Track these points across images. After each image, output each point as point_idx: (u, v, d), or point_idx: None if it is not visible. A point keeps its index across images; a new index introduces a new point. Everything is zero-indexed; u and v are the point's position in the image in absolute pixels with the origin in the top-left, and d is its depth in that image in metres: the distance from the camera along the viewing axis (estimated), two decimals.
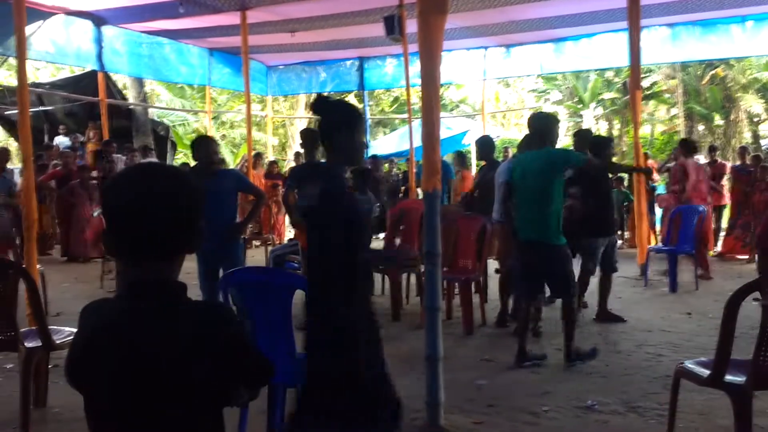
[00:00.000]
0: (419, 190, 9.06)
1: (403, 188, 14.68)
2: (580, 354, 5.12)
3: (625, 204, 11.86)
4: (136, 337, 1.36)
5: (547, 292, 5.70)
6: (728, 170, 11.63)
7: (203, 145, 5.46)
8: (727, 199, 11.43)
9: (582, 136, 7.21)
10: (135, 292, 1.41)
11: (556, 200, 5.03)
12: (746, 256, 10.48)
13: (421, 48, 3.98)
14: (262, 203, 6.03)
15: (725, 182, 11.63)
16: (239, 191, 5.78)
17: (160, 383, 1.36)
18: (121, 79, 17.84)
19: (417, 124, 10.71)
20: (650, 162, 13.11)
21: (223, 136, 24.70)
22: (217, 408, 1.45)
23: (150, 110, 18.16)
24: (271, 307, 3.48)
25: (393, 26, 10.21)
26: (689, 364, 3.48)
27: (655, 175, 12.25)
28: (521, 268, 5.32)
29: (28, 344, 3.96)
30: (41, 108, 14.84)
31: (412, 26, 8.54)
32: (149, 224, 1.38)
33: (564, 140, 20.13)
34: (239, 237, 5.64)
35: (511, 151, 12.46)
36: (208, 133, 17.42)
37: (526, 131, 5.97)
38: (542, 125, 5.28)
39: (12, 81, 15.91)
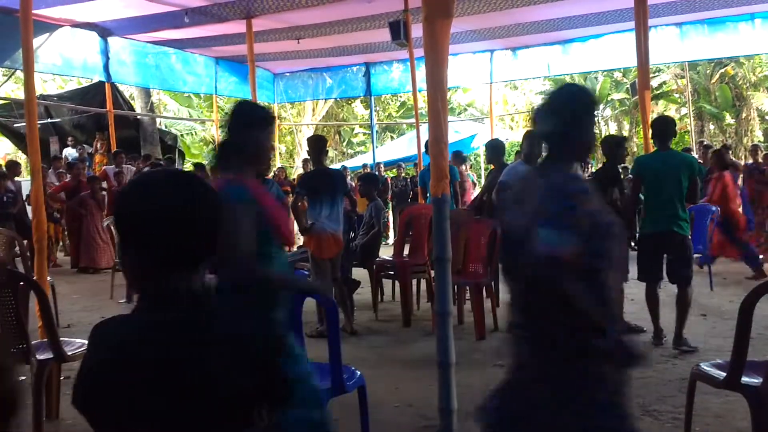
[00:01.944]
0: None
1: (411, 193, 14.68)
2: (687, 343, 5.49)
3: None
4: (168, 351, 1.28)
5: None
6: (742, 170, 11.52)
7: None
8: (740, 199, 11.32)
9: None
10: (163, 304, 1.35)
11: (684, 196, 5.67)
12: (761, 256, 10.37)
13: (426, 52, 3.95)
14: (289, 213, 6.16)
15: (738, 182, 11.52)
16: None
17: (193, 398, 1.27)
18: (128, 90, 17.92)
19: (425, 128, 10.71)
20: None
21: None
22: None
23: (157, 120, 18.23)
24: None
25: (398, 31, 10.22)
26: (705, 367, 3.43)
27: None
28: (647, 257, 5.72)
29: (40, 356, 3.95)
30: (49, 120, 14.91)
31: (417, 31, 8.53)
32: (177, 232, 1.32)
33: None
34: None
35: None
36: (216, 142, 17.47)
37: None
38: (667, 128, 5.87)
39: (20, 94, 16.01)
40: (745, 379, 3.11)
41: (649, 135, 6.58)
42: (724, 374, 3.18)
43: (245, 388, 1.31)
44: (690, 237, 5.73)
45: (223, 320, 1.36)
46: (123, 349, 1.31)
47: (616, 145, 6.55)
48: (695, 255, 8.16)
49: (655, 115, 22.60)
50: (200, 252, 1.38)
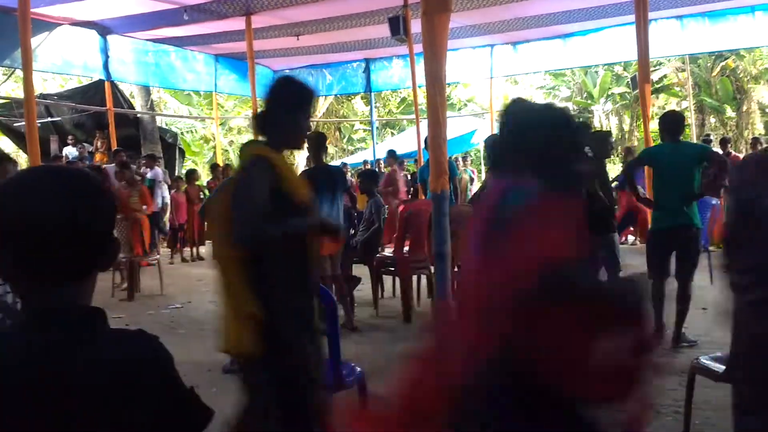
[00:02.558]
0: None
1: (412, 189, 14.67)
2: (686, 339, 5.51)
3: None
4: (41, 378, 1.09)
5: None
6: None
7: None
8: None
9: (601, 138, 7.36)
10: (38, 323, 1.15)
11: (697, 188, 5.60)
12: None
13: (425, 48, 3.96)
14: None
15: None
16: None
17: None
18: (128, 88, 17.93)
19: (425, 124, 10.72)
20: None
21: (231, 141, 24.77)
22: None
23: (158, 118, 18.23)
24: None
25: (398, 27, 10.20)
26: (704, 360, 3.43)
27: None
28: (656, 252, 5.65)
29: None
30: (49, 119, 14.91)
31: (417, 26, 8.53)
32: (52, 238, 1.13)
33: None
34: None
35: None
36: (216, 140, 17.49)
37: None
38: (678, 123, 5.82)
39: (20, 93, 16.06)
40: None
41: (651, 129, 6.61)
42: (724, 367, 3.18)
43: (140, 426, 1.12)
44: (701, 229, 5.72)
45: (112, 346, 1.16)
46: None
47: (601, 139, 6.57)
48: None
49: (656, 109, 22.56)
50: (86, 260, 1.19)
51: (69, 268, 1.17)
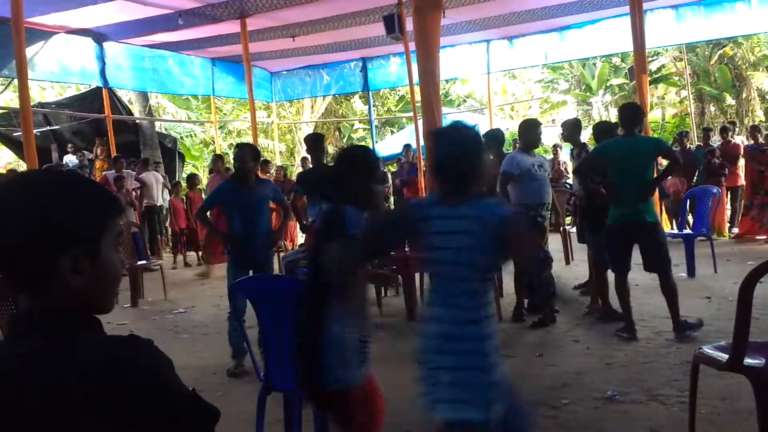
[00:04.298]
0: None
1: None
2: (689, 325, 5.40)
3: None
4: (13, 388, 1.02)
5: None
6: (742, 150, 11.49)
7: (239, 153, 5.53)
8: (742, 180, 11.29)
9: (570, 125, 7.11)
10: (19, 329, 1.10)
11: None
12: (765, 237, 10.34)
13: (418, 44, 3.97)
14: (289, 214, 6.11)
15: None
16: (272, 201, 5.74)
17: None
18: (127, 94, 17.94)
19: None
20: None
21: (231, 145, 24.76)
22: None
23: (157, 123, 18.25)
24: (282, 315, 3.45)
25: (393, 25, 10.17)
26: (707, 349, 3.40)
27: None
28: (616, 247, 5.59)
29: None
30: (48, 128, 14.92)
31: (412, 24, 8.51)
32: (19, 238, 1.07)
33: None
34: (276, 244, 5.71)
35: None
36: (216, 143, 17.50)
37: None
38: (634, 114, 5.70)
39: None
40: (748, 361, 3.07)
41: (650, 119, 6.56)
42: (727, 356, 3.15)
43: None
44: (660, 223, 5.72)
45: (98, 354, 1.07)
46: None
47: (606, 131, 6.47)
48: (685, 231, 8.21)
49: (655, 99, 22.46)
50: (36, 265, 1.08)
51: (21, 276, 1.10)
